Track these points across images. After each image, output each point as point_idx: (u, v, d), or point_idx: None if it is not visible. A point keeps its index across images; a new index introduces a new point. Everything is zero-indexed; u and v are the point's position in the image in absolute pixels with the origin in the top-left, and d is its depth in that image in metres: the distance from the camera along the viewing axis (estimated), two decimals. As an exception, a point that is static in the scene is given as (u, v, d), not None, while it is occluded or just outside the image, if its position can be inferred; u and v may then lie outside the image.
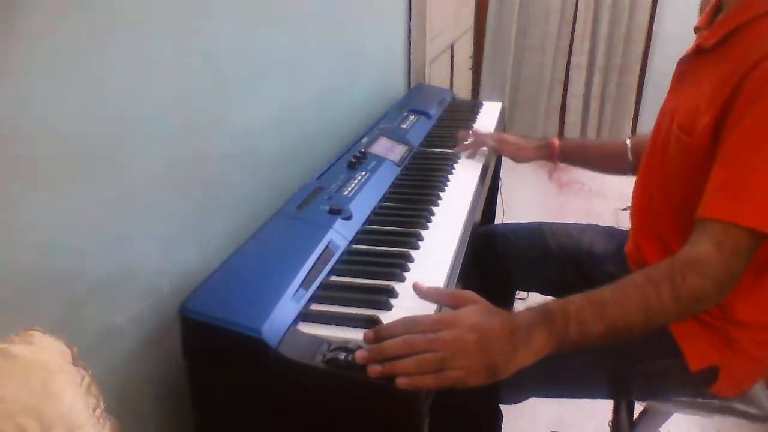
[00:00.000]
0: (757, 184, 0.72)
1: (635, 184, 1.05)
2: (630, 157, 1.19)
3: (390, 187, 1.15)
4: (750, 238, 0.72)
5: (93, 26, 0.65)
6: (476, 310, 0.69)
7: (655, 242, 0.97)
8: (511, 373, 0.66)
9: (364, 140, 1.29)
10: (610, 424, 1.22)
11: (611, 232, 1.21)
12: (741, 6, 0.83)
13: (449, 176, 1.23)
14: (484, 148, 1.36)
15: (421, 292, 0.75)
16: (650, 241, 0.98)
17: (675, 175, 0.90)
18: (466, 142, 1.38)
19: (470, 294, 0.72)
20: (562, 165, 1.31)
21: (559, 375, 0.91)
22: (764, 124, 0.73)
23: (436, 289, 0.76)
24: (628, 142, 1.20)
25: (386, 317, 0.75)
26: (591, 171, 1.31)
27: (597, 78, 3.32)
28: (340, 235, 0.91)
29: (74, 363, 0.51)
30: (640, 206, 1.02)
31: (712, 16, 0.93)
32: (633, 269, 1.03)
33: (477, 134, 1.38)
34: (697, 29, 0.96)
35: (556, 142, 1.28)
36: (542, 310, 0.70)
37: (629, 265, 1.05)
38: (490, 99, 1.92)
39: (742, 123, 0.74)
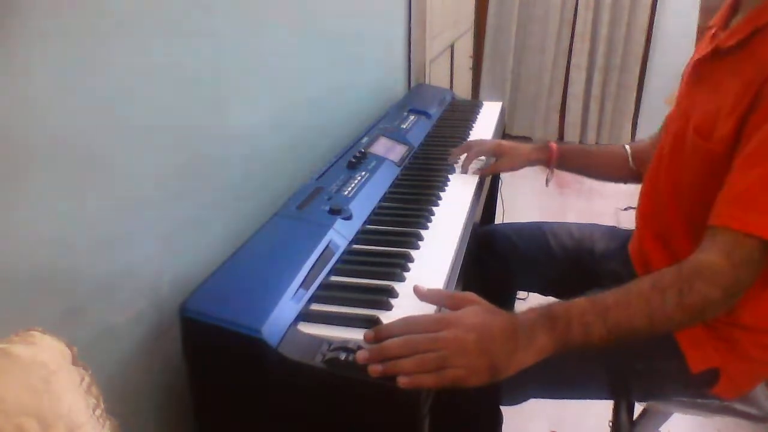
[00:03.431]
0: None
1: (642, 185, 1.04)
2: (632, 164, 1.18)
3: (390, 187, 1.15)
4: (761, 248, 0.71)
5: (92, 27, 0.65)
6: (477, 310, 0.69)
7: (661, 245, 0.96)
8: (513, 373, 0.66)
9: (364, 140, 1.29)
10: (610, 424, 1.21)
11: (613, 232, 1.20)
12: (760, 9, 0.81)
13: (449, 176, 1.23)
14: (482, 158, 1.30)
15: (421, 295, 0.75)
16: (655, 243, 0.97)
17: (687, 180, 0.88)
18: (461, 157, 1.28)
19: (470, 295, 0.72)
20: (557, 172, 1.27)
21: (560, 375, 0.91)
22: None
23: (437, 291, 0.76)
24: (628, 148, 1.19)
25: (386, 317, 0.75)
26: (588, 178, 1.28)
27: (597, 78, 3.32)
28: (340, 235, 0.91)
29: (74, 363, 0.51)
30: (646, 208, 1.01)
31: (728, 17, 0.91)
32: (636, 268, 1.03)
33: (471, 146, 1.28)
34: (702, 29, 0.94)
35: (555, 145, 1.24)
36: (545, 311, 0.70)
37: (633, 265, 1.04)
38: (490, 99, 1.92)
39: (761, 130, 0.72)
